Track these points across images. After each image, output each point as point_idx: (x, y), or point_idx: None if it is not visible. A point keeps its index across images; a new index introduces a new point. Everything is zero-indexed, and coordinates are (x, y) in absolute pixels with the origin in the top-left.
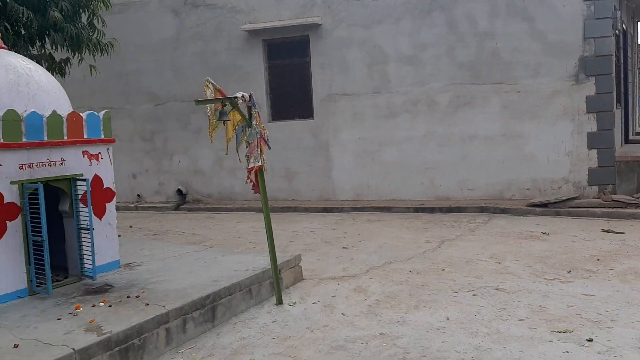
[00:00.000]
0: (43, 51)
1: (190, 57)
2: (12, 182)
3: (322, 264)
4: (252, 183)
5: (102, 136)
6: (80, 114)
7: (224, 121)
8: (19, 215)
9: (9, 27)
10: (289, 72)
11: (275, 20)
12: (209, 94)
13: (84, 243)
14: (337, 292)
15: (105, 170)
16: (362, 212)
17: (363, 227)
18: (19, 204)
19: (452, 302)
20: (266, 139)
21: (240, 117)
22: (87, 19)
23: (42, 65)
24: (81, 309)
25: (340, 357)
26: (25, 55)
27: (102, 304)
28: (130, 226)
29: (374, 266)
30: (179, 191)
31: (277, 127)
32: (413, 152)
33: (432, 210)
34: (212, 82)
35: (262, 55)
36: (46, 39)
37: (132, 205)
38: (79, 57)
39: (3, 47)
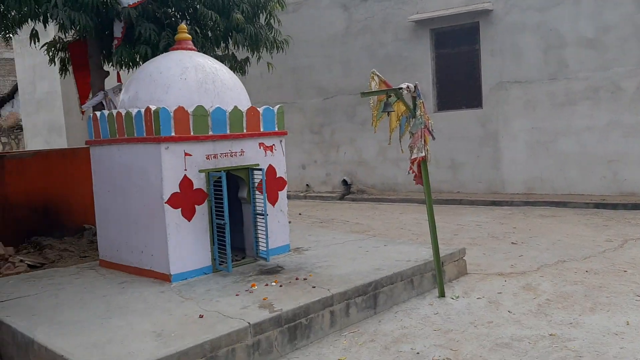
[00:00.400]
0: (227, 51)
1: (358, 51)
2: (200, 171)
3: (488, 259)
4: (414, 174)
5: (276, 129)
6: (258, 108)
7: (388, 112)
8: (205, 201)
9: (198, 30)
10: (457, 61)
11: (443, 8)
12: (374, 85)
13: (259, 227)
14: (503, 289)
15: (278, 160)
16: (534, 206)
17: (535, 222)
18: (205, 190)
19: (633, 307)
20: (430, 129)
21: (404, 108)
22: (265, 20)
23: (225, 65)
24: (256, 287)
25: (505, 355)
26: (212, 56)
27: (273, 283)
28: (300, 214)
29: (545, 264)
30: (344, 181)
31: (442, 117)
32: (593, 142)
33: (614, 206)
34: (378, 74)
35: (429, 44)
36: (229, 40)
37: (302, 194)
38: (258, 56)
39: (193, 49)
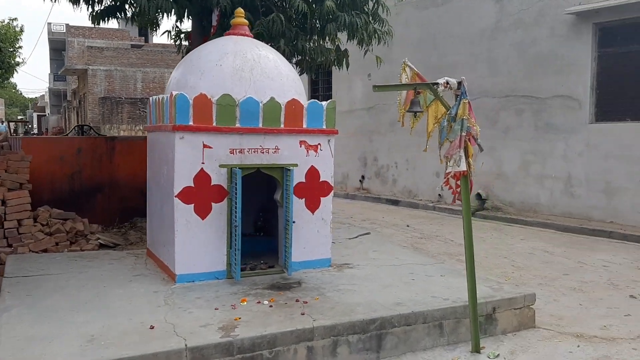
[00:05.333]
0: (319, 43)
1: (507, 48)
2: (221, 166)
3: (581, 312)
4: (450, 188)
5: (324, 127)
6: (302, 102)
7: (415, 112)
8: (225, 199)
9: (283, 18)
10: (626, 63)
11: None
12: (405, 79)
13: (289, 235)
14: (568, 357)
15: (324, 162)
16: None
17: None
18: (226, 187)
19: None
20: (476, 137)
21: (445, 110)
22: (372, 9)
23: (319, 57)
24: (245, 304)
25: None
26: (306, 47)
27: (267, 302)
28: (408, 226)
29: None
30: (478, 195)
31: (600, 130)
32: None
33: None
34: (410, 65)
35: (590, 42)
36: (325, 30)
37: (431, 204)
38: (365, 49)
39: (248, 35)
